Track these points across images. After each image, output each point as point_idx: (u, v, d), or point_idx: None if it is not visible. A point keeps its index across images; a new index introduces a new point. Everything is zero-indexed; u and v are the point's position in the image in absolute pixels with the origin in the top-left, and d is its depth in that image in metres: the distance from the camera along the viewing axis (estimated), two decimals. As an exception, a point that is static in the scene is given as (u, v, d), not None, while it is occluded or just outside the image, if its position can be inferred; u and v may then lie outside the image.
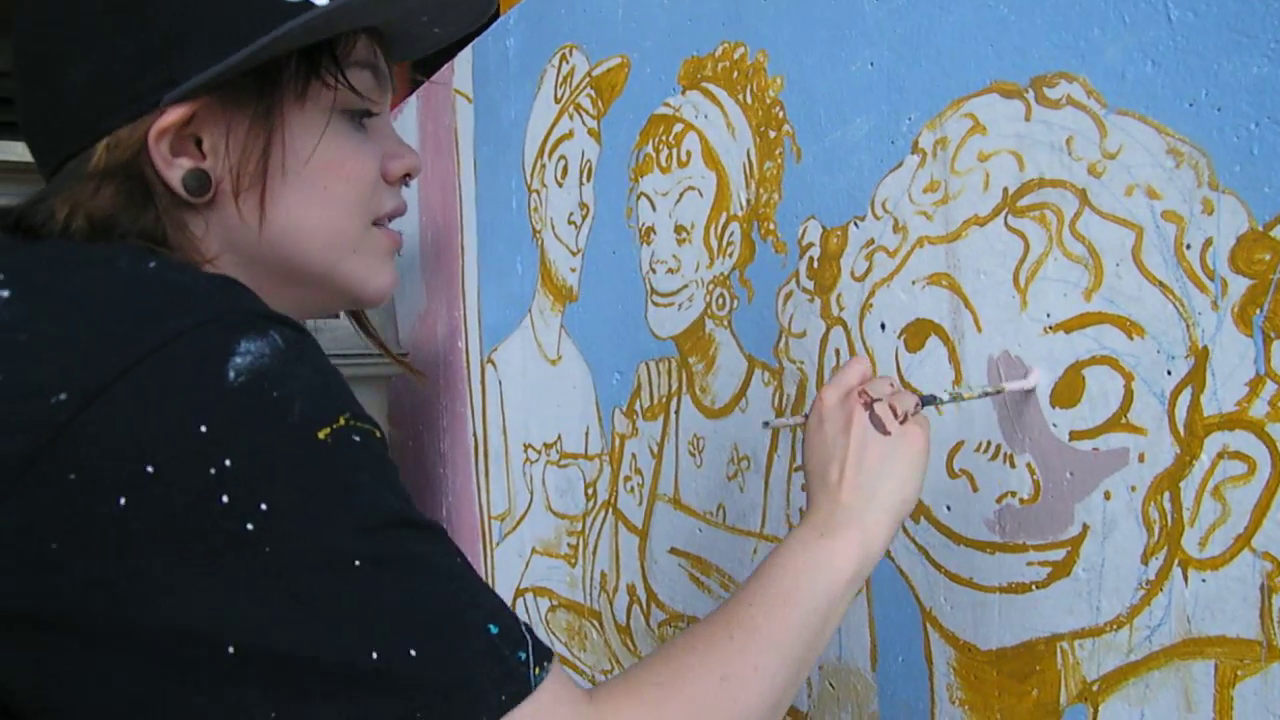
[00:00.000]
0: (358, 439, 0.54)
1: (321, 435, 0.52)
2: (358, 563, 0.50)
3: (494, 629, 0.54)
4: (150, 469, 0.47)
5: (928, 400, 0.84)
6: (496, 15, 1.81)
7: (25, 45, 0.65)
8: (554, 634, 1.71)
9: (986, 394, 0.87)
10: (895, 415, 0.77)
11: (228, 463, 0.48)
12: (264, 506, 0.49)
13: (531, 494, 1.76)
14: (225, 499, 0.48)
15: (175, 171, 0.62)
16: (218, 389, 0.50)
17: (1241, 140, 0.73)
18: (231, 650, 0.48)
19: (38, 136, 0.66)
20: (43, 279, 0.55)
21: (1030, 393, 0.87)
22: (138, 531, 0.47)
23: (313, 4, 0.63)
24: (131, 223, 0.61)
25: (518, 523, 1.81)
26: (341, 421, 0.53)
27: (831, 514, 0.75)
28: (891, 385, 0.80)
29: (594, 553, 1.57)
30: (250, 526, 0.48)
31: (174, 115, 0.61)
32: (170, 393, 0.49)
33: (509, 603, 1.84)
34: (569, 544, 1.64)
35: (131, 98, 0.61)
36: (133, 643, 0.48)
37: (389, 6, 0.67)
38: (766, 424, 0.85)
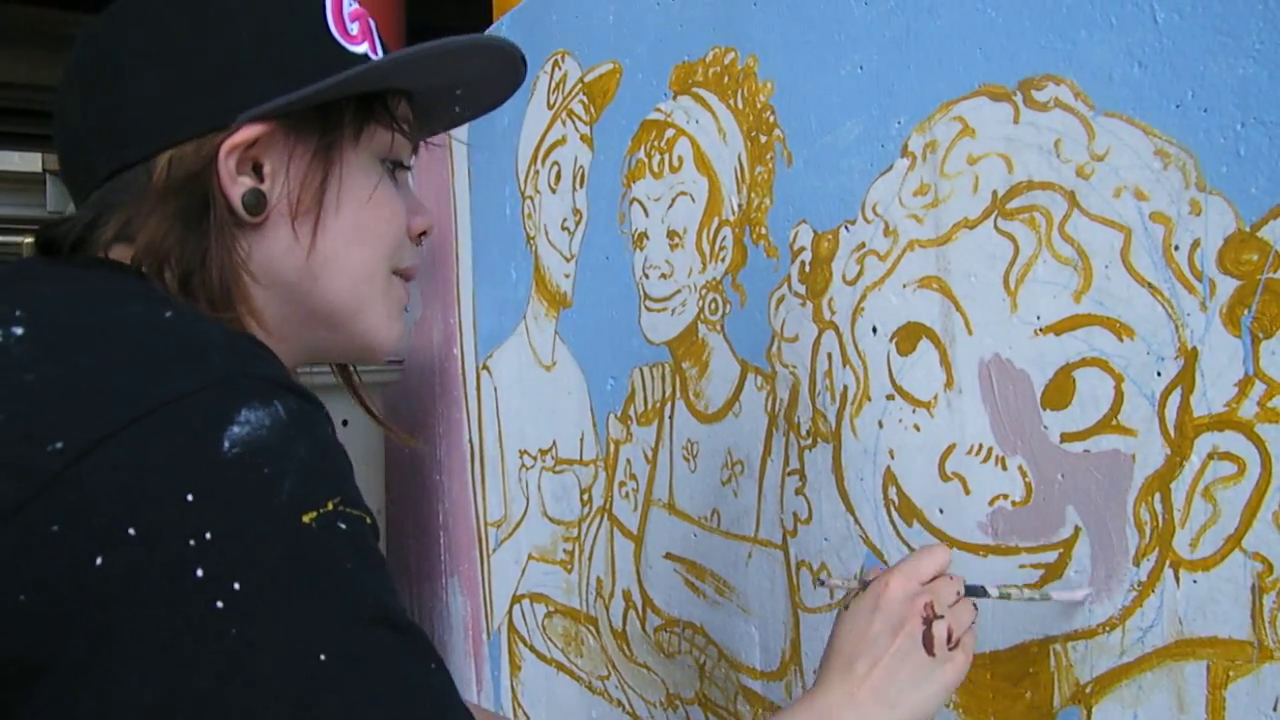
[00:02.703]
0: (344, 526, 0.52)
1: (306, 519, 0.50)
2: (323, 657, 0.49)
3: None
4: (132, 531, 0.47)
5: (974, 591, 0.80)
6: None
7: (94, 56, 0.66)
8: (550, 640, 1.71)
9: (1032, 600, 0.84)
10: (949, 638, 0.73)
11: (208, 536, 0.48)
12: (237, 586, 0.48)
13: (527, 500, 1.75)
14: (200, 573, 0.47)
15: (237, 188, 0.64)
16: (210, 459, 0.49)
17: (1228, 141, 0.73)
18: None
19: (88, 148, 0.66)
20: (57, 318, 0.55)
21: (1079, 603, 0.84)
22: (108, 594, 0.46)
23: (371, 59, 0.69)
24: (180, 243, 0.62)
25: (514, 529, 1.81)
26: (330, 506, 0.52)
27: (842, 707, 0.72)
28: (958, 594, 0.76)
29: (590, 558, 1.57)
30: (220, 605, 0.47)
31: (247, 133, 0.63)
32: (164, 456, 0.48)
33: (505, 609, 1.84)
34: (565, 550, 1.64)
35: (206, 113, 0.64)
36: (83, 708, 0.47)
37: (446, 63, 0.71)
38: (821, 582, 0.81)
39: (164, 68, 0.64)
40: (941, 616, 0.73)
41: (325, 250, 0.68)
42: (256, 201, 0.65)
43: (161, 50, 0.64)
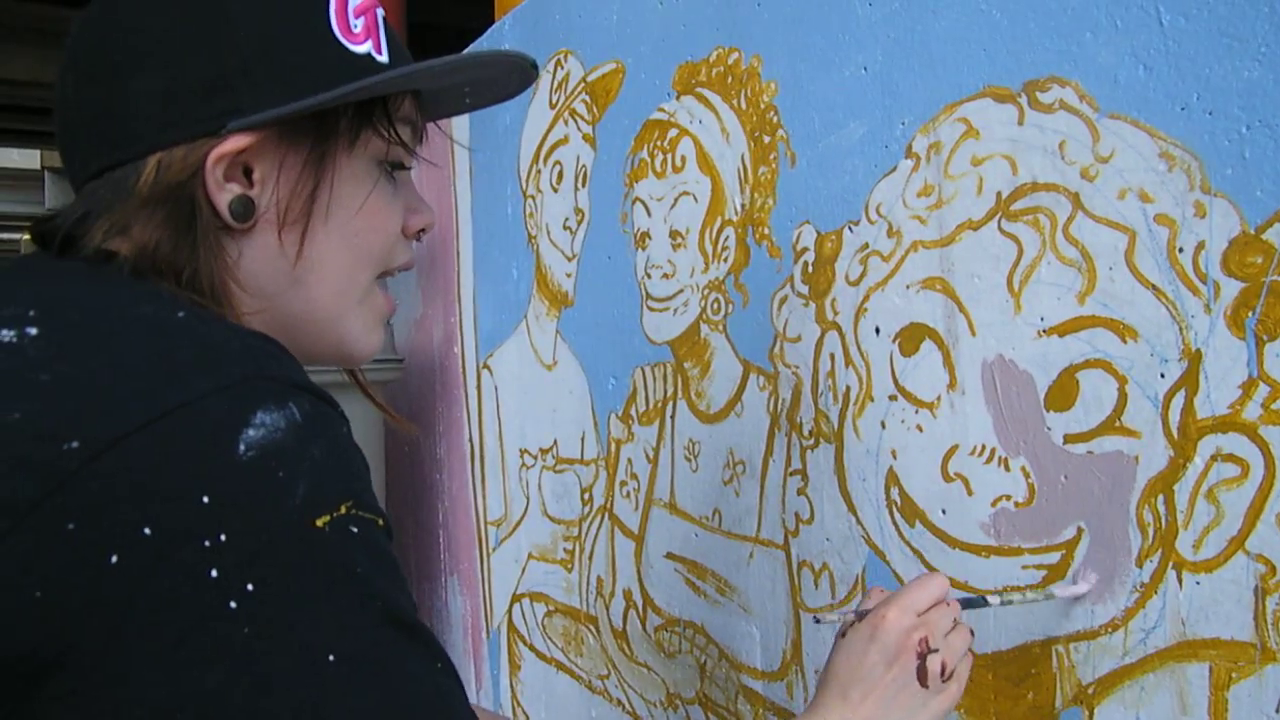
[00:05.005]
0: (356, 530, 0.53)
1: (319, 523, 0.51)
2: (332, 658, 0.50)
3: None
4: (148, 531, 0.47)
5: (976, 602, 0.81)
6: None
7: (89, 46, 0.65)
8: (550, 639, 1.71)
9: (1035, 601, 0.85)
10: (943, 672, 0.75)
11: (223, 538, 0.48)
12: (250, 588, 0.48)
13: (528, 499, 1.75)
14: (214, 573, 0.48)
15: (225, 195, 0.63)
16: (225, 461, 0.49)
17: (1233, 144, 0.73)
18: None
19: (81, 139, 0.65)
20: (70, 317, 0.55)
21: (1081, 598, 0.85)
22: (122, 592, 0.47)
23: (375, 59, 0.67)
24: (172, 250, 0.61)
25: (514, 528, 1.81)
26: (343, 510, 0.52)
27: None
28: (955, 620, 0.77)
29: (590, 558, 1.57)
30: (233, 605, 0.48)
31: (237, 142, 0.62)
32: (180, 458, 0.49)
33: (505, 608, 1.84)
34: (565, 549, 1.64)
35: (197, 118, 0.62)
36: (95, 706, 0.47)
37: (449, 75, 0.70)
38: (818, 620, 0.82)
39: (155, 69, 0.62)
40: (936, 650, 0.75)
41: (311, 257, 0.67)
42: (244, 209, 0.63)
43: (154, 50, 0.62)
